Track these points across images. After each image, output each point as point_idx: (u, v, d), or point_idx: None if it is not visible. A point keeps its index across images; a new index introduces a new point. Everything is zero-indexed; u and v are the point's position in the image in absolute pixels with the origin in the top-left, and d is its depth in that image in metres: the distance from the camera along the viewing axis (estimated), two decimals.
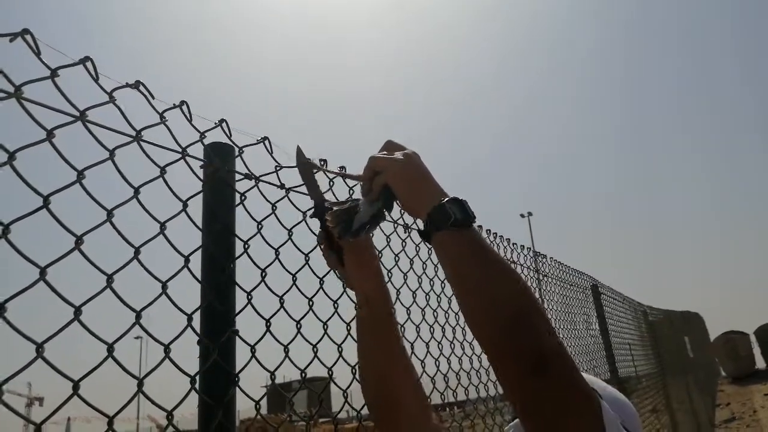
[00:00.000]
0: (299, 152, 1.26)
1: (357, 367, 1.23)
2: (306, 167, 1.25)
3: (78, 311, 0.90)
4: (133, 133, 1.09)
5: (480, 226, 2.58)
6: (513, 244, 2.98)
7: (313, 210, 1.21)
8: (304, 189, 1.51)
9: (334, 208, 1.13)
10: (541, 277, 3.64)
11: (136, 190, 1.06)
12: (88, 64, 1.02)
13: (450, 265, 0.93)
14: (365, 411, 1.57)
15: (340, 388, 1.49)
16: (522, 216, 38.96)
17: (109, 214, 1.00)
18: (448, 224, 0.92)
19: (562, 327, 3.69)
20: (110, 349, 0.94)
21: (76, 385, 0.88)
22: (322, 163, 1.55)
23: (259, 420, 1.30)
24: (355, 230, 1.08)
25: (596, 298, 4.86)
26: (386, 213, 1.11)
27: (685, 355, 11.31)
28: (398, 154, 1.05)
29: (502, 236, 2.84)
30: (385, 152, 1.08)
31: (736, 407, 14.90)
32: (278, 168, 1.44)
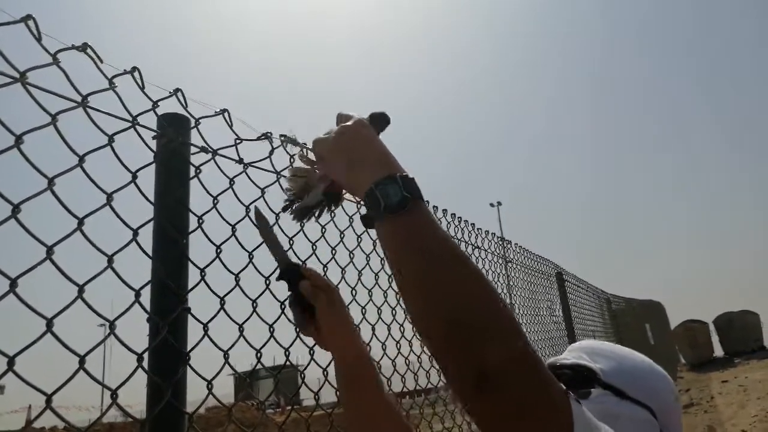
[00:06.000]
0: (258, 214, 1.18)
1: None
2: (266, 227, 1.17)
3: (14, 284, 0.85)
4: (79, 99, 1.03)
5: (435, 207, 2.56)
6: (478, 229, 2.98)
7: (279, 273, 1.11)
8: (264, 164, 1.47)
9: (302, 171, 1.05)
10: (507, 264, 3.66)
11: (81, 158, 1.00)
12: (30, 23, 0.96)
13: (386, 257, 0.80)
14: (324, 399, 1.54)
15: (297, 369, 1.46)
16: (491, 205, 39.17)
17: (51, 182, 0.94)
18: (381, 211, 0.78)
19: (525, 313, 3.71)
20: (49, 324, 0.89)
21: (11, 361, 0.83)
22: (293, 136, 1.49)
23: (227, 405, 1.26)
24: (298, 212, 1.01)
25: (560, 285, 4.91)
26: (332, 204, 1.03)
27: (646, 342, 11.56)
28: (332, 132, 0.92)
29: (467, 221, 2.83)
30: (327, 132, 0.95)
31: (694, 393, 15.29)
32: (238, 142, 1.39)
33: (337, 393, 1.14)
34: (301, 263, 1.19)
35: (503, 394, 0.64)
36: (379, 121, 0.95)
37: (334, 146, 0.90)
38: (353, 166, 0.87)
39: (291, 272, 1.08)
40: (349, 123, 0.91)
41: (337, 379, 1.13)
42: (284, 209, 1.03)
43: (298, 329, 1.10)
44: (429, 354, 0.74)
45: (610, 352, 1.04)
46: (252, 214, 1.21)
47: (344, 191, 1.02)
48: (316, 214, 1.05)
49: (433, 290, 0.71)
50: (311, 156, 1.05)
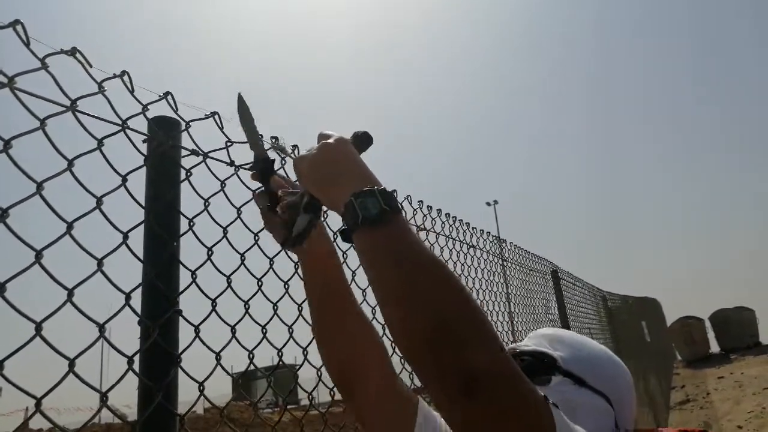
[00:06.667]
0: (241, 101, 1.15)
1: (318, 348, 1.12)
2: (247, 115, 1.13)
3: (2, 288, 0.85)
4: (68, 103, 1.03)
5: (430, 207, 2.57)
6: (473, 228, 2.98)
7: (253, 165, 1.08)
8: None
9: (286, 199, 1.06)
10: (504, 263, 3.66)
11: (70, 162, 1.00)
12: (18, 28, 0.97)
13: (365, 269, 0.80)
14: (318, 398, 1.55)
15: (290, 369, 1.46)
16: (488, 204, 39.02)
17: (39, 186, 0.94)
18: (358, 223, 0.79)
19: (521, 311, 3.72)
20: (38, 327, 0.89)
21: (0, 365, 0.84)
22: (283, 143, 1.50)
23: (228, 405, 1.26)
24: (294, 239, 1.01)
25: (556, 283, 4.92)
26: (315, 218, 1.03)
27: (642, 339, 11.58)
28: (312, 149, 0.93)
29: (461, 220, 2.83)
30: (308, 149, 0.95)
31: (690, 389, 15.36)
32: (228, 144, 1.39)
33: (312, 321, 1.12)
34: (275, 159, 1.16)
35: (491, 397, 0.64)
36: (362, 140, 0.96)
37: (314, 162, 0.91)
38: (332, 181, 0.88)
39: (265, 165, 1.07)
40: (329, 141, 0.92)
41: (307, 288, 1.11)
42: (283, 245, 1.04)
43: (264, 223, 1.09)
44: (408, 363, 0.72)
45: (570, 340, 1.06)
46: (236, 102, 1.17)
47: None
48: (310, 234, 1.04)
49: (416, 298, 0.71)
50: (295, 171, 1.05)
